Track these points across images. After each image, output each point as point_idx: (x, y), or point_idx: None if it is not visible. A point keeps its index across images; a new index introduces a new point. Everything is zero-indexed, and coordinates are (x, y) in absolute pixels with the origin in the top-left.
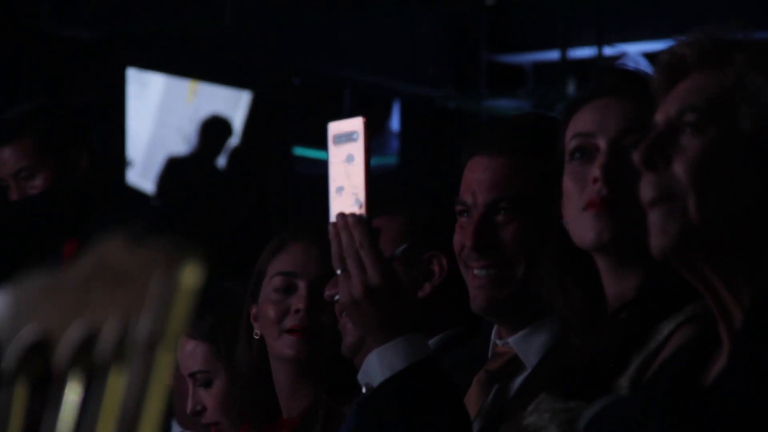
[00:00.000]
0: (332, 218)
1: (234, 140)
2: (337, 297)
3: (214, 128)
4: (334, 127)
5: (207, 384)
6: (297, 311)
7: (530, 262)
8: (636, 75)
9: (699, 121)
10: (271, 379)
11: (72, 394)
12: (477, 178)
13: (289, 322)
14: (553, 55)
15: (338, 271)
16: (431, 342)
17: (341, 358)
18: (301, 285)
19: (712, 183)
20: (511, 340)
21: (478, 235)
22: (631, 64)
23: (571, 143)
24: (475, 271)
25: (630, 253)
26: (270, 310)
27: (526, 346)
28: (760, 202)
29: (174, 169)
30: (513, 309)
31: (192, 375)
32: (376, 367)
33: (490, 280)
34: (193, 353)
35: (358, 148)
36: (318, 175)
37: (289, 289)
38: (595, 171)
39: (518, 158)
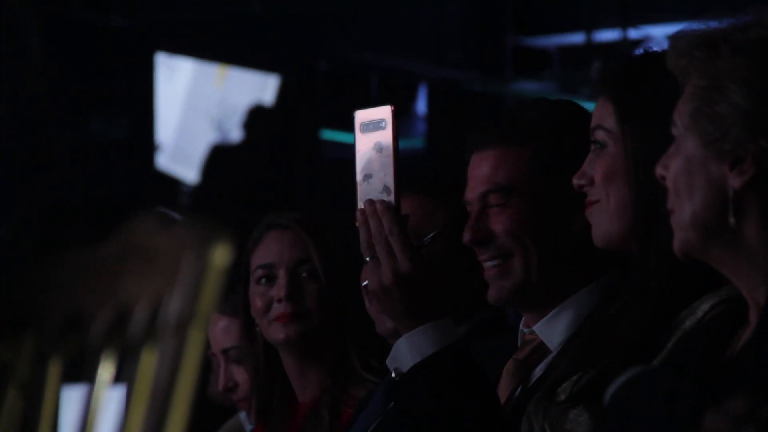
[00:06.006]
0: (360, 205)
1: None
2: (365, 283)
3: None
4: (362, 115)
5: (240, 360)
6: (279, 300)
7: (526, 251)
8: None
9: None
10: (282, 367)
11: (105, 373)
12: (472, 174)
13: (274, 312)
14: (579, 38)
15: (367, 258)
16: (464, 328)
17: (337, 339)
18: (281, 274)
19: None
20: (535, 327)
21: (473, 229)
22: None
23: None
24: (485, 264)
25: None
26: (257, 301)
27: (549, 330)
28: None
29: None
30: (523, 298)
31: (225, 351)
32: (405, 353)
33: (496, 272)
34: (226, 330)
35: (386, 136)
36: (345, 158)
37: (270, 280)
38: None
39: (506, 148)
